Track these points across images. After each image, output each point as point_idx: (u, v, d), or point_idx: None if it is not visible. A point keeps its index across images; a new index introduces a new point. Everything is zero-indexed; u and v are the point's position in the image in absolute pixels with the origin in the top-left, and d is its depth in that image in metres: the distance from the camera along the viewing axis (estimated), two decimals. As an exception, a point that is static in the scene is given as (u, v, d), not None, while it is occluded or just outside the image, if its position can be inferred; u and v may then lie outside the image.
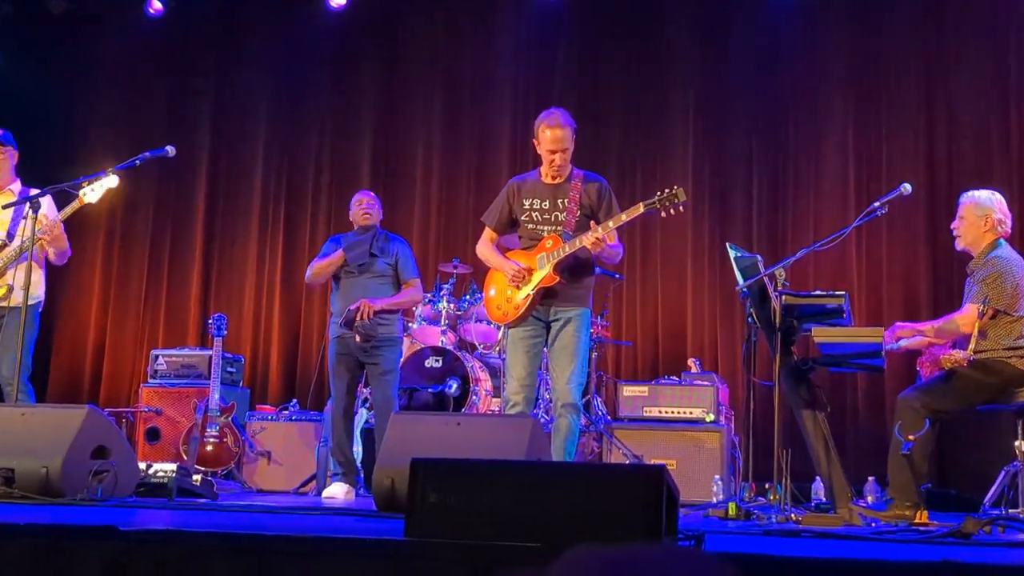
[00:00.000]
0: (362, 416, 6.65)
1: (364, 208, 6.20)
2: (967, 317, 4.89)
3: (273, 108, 9.40)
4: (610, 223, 4.76)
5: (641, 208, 4.71)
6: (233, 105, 9.46)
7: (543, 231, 4.92)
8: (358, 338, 5.81)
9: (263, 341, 9.07)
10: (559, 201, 4.94)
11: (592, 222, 4.87)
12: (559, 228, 4.88)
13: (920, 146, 7.90)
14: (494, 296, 4.99)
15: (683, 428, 6.37)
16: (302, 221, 9.23)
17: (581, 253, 4.83)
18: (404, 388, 6.86)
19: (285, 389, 8.84)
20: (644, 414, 6.50)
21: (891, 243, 7.85)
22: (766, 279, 4.59)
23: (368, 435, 6.66)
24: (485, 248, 5.10)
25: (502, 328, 5.01)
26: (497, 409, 6.67)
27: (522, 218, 4.99)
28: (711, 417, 6.37)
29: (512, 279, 4.86)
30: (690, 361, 7.45)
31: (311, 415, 7.30)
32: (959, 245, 5.15)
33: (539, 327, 4.90)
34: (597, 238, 4.70)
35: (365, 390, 6.51)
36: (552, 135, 4.88)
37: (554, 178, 4.97)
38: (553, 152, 4.90)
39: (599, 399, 7.29)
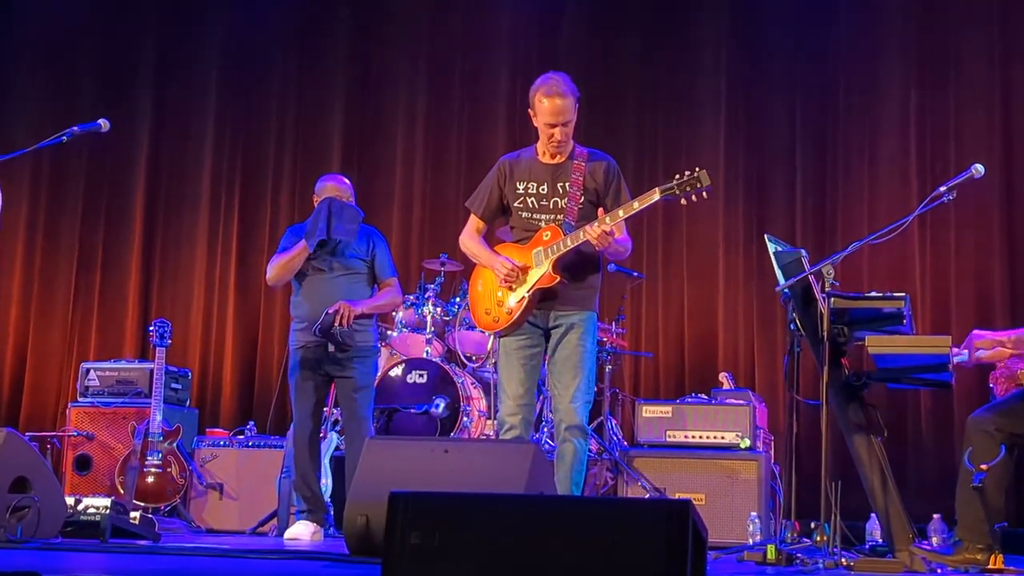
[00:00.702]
0: (331, 442, 6.64)
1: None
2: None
3: (225, 75, 9.42)
4: (620, 211, 4.75)
5: (656, 195, 4.69)
6: (178, 72, 9.46)
7: (540, 220, 4.91)
8: (332, 347, 5.79)
9: (214, 352, 9.08)
10: (559, 184, 4.92)
11: (599, 210, 4.86)
12: (559, 217, 4.87)
13: (995, 120, 7.93)
14: (482, 299, 4.97)
15: (713, 456, 6.36)
16: (261, 210, 9.25)
17: (585, 247, 4.81)
18: (381, 408, 6.84)
19: (241, 410, 8.86)
20: (667, 439, 6.49)
21: (961, 235, 7.88)
22: (811, 278, 4.60)
23: (338, 464, 6.65)
24: (470, 240, 5.07)
25: (492, 336, 5.00)
26: (492, 433, 6.67)
27: (515, 204, 4.97)
28: (746, 443, 6.37)
29: (504, 279, 4.85)
30: (722, 376, 7.45)
31: (271, 441, 7.29)
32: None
33: (536, 335, 4.89)
34: (604, 231, 4.69)
35: (335, 411, 6.51)
36: (550, 105, 4.86)
37: (553, 156, 4.95)
38: (552, 126, 4.87)
39: (613, 421, 7.28)
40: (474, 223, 5.09)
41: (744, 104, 8.56)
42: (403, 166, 9.08)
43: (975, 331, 5.09)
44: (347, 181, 6.20)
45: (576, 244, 4.77)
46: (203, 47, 9.43)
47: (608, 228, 4.68)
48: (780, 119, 8.45)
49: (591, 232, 4.69)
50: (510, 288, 4.86)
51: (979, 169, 4.78)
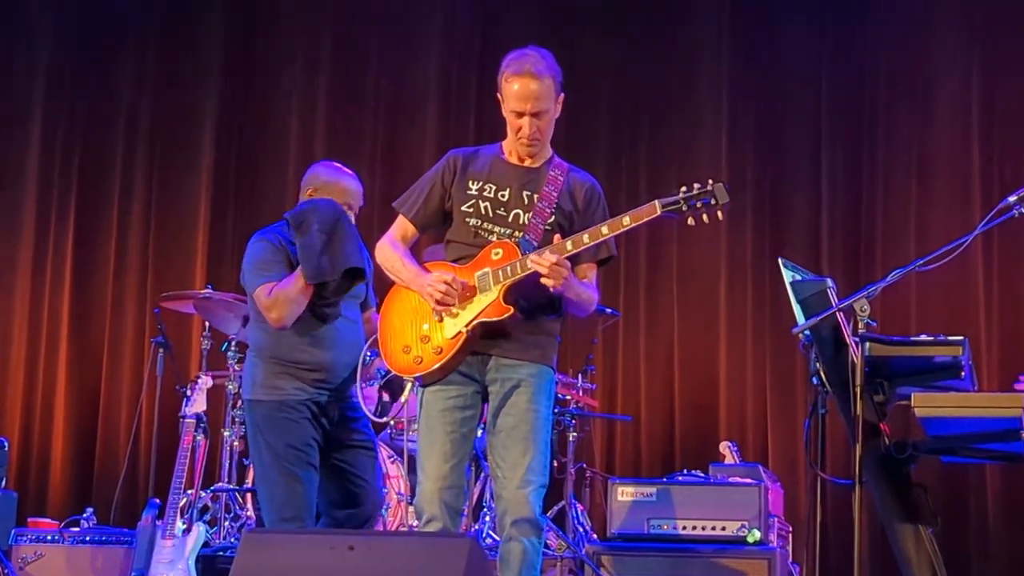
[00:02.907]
0: (199, 536, 6.60)
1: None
2: None
3: (63, 29, 9.40)
4: (604, 228, 4.73)
5: (657, 209, 4.68)
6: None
7: (492, 234, 4.90)
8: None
9: (40, 415, 9.02)
10: (526, 193, 4.89)
11: (556, 237, 4.84)
12: (517, 233, 4.87)
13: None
14: (400, 331, 4.92)
15: (712, 554, 6.36)
16: (105, 219, 9.23)
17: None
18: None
19: (75, 493, 8.81)
20: (650, 530, 6.49)
21: (1037, 261, 7.97)
22: (840, 316, 4.62)
23: (207, 564, 6.62)
24: (392, 249, 4.99)
25: (409, 384, 4.93)
26: (416, 524, 6.65)
27: (463, 208, 4.94)
28: (756, 536, 6.38)
29: (439, 300, 4.81)
30: (723, 446, 7.47)
31: (116, 534, 7.23)
32: None
33: (470, 392, 4.84)
34: (552, 263, 4.66)
35: (203, 493, 6.41)
36: (521, 88, 4.83)
37: (523, 159, 4.96)
38: (519, 115, 4.86)
39: (578, 507, 7.27)
40: (401, 227, 5.02)
41: (753, 98, 8.65)
42: (297, 163, 9.07)
43: None
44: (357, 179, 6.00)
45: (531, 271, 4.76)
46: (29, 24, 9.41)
47: (558, 260, 4.64)
48: (801, 114, 8.55)
49: (540, 261, 4.66)
50: (440, 319, 4.82)
51: (1059, 174, 4.85)
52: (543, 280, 4.64)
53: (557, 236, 4.75)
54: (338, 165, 5.92)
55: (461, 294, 4.75)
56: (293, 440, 5.60)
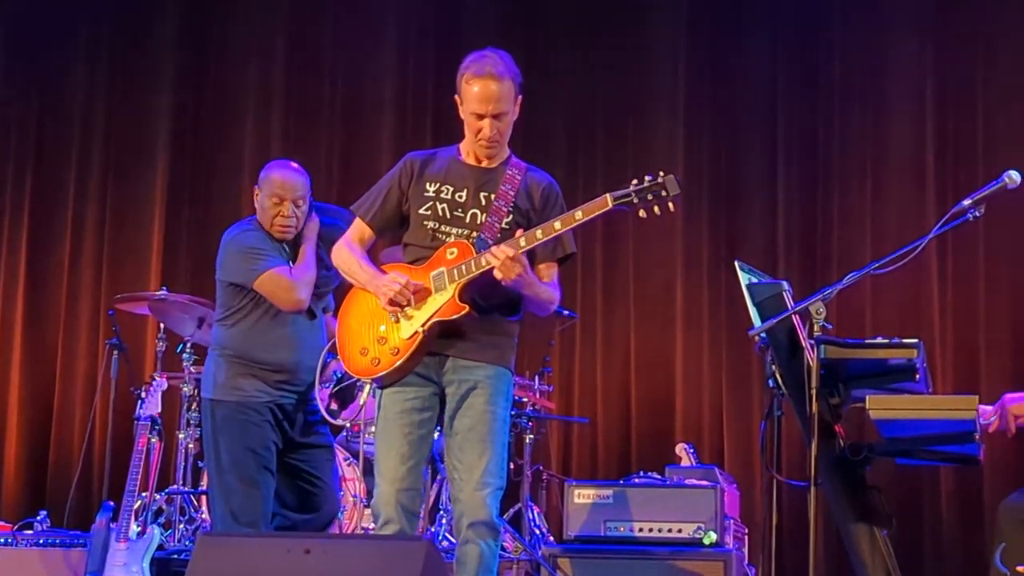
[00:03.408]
0: (152, 539, 6.57)
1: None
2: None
3: (14, 32, 9.34)
4: (556, 224, 4.73)
5: (608, 203, 4.69)
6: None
7: (449, 235, 4.90)
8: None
9: (-9, 417, 8.94)
10: (483, 194, 4.90)
11: (519, 231, 4.84)
12: (474, 234, 4.86)
13: (1034, 114, 8.10)
14: (357, 333, 4.91)
15: (668, 555, 6.36)
16: (59, 220, 9.19)
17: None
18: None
19: (29, 496, 8.76)
20: (607, 532, 6.49)
21: (992, 263, 8.01)
22: (796, 319, 4.63)
23: (160, 568, 6.59)
24: (349, 251, 4.99)
25: (368, 386, 4.92)
26: (372, 526, 6.64)
27: (420, 211, 4.94)
28: (712, 538, 6.39)
29: (391, 300, 4.80)
30: (680, 448, 7.47)
31: (70, 537, 7.20)
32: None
33: (427, 394, 4.84)
34: (508, 256, 4.66)
35: (158, 496, 6.37)
36: (481, 90, 4.84)
37: (480, 160, 4.96)
38: (480, 116, 4.87)
39: (535, 509, 7.27)
40: (358, 229, 5.02)
41: (709, 93, 8.66)
42: (251, 166, 9.04)
43: (1007, 395, 5.17)
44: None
45: (492, 266, 4.74)
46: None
47: (515, 254, 4.64)
48: (757, 117, 8.57)
49: (494, 253, 4.66)
50: (397, 320, 4.81)
51: (1014, 177, 4.85)
52: (496, 274, 4.65)
53: (520, 231, 4.76)
54: (280, 161, 5.96)
55: (416, 295, 4.76)
56: (252, 443, 5.58)
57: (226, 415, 5.60)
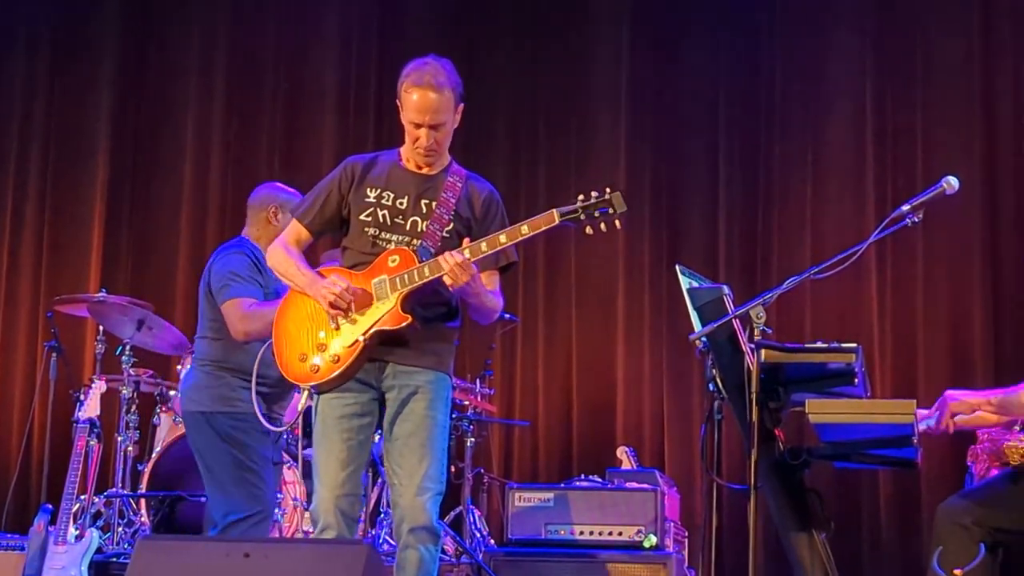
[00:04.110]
0: (91, 542, 6.53)
1: None
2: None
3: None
4: (501, 236, 4.73)
5: (556, 218, 4.69)
6: None
7: (389, 242, 4.88)
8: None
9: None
10: (424, 201, 4.89)
11: (466, 240, 4.83)
12: (415, 241, 4.86)
13: (975, 121, 8.15)
14: (295, 339, 4.88)
15: (608, 558, 6.38)
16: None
17: (441, 283, 4.79)
18: (161, 497, 6.75)
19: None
20: (547, 536, 6.50)
21: (931, 268, 8.08)
22: (736, 323, 4.65)
23: (99, 571, 6.55)
24: (285, 253, 4.94)
25: (305, 391, 4.88)
26: (311, 530, 6.62)
27: (360, 217, 4.92)
28: (652, 541, 6.41)
29: (332, 304, 4.78)
30: (620, 451, 7.50)
31: (8, 540, 7.14)
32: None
33: (367, 399, 4.83)
34: (457, 263, 4.66)
35: (97, 499, 6.32)
36: (420, 99, 4.84)
37: (420, 167, 4.96)
38: (417, 126, 4.88)
39: (476, 513, 7.26)
40: (295, 232, 4.98)
41: (651, 98, 8.69)
42: (194, 167, 9.04)
43: (948, 391, 5.19)
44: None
45: (435, 276, 4.74)
46: None
47: (463, 259, 4.64)
48: (698, 121, 8.61)
49: (446, 259, 4.66)
50: (337, 327, 4.79)
51: (952, 183, 4.87)
52: (446, 279, 4.65)
53: (467, 240, 4.75)
54: (281, 185, 6.05)
55: (356, 301, 4.74)
56: (257, 447, 5.67)
57: (232, 425, 5.67)
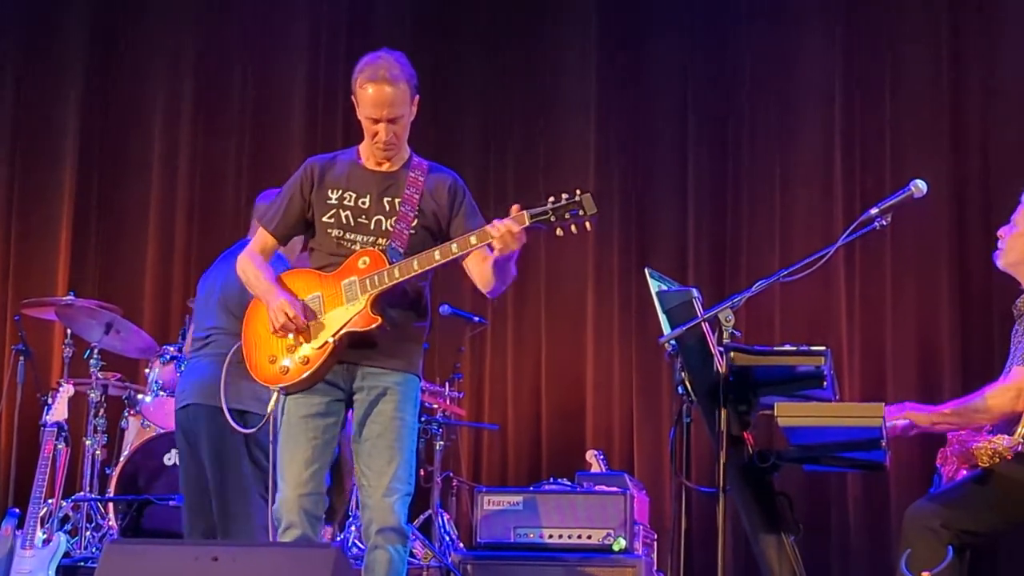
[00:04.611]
0: (58, 546, 6.51)
1: None
2: (1012, 387, 5.01)
3: None
4: (472, 239, 4.72)
5: (526, 220, 4.69)
6: None
7: (355, 243, 4.88)
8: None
9: None
10: (386, 200, 4.89)
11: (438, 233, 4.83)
12: (381, 241, 4.85)
13: (942, 124, 8.19)
14: (264, 341, 4.87)
15: (578, 562, 6.38)
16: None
17: (413, 282, 4.80)
18: (129, 500, 6.72)
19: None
20: (516, 539, 6.50)
21: (899, 271, 8.11)
22: (705, 326, 4.65)
23: (70, 574, 6.53)
24: (251, 262, 4.96)
25: (275, 393, 4.87)
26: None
27: (323, 219, 4.92)
28: (621, 544, 6.41)
29: (278, 329, 4.76)
30: (590, 454, 7.50)
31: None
32: (1001, 262, 5.25)
33: (333, 400, 4.83)
34: (505, 231, 4.58)
35: (65, 503, 6.31)
36: (375, 94, 4.83)
37: (380, 163, 4.95)
38: (375, 121, 4.86)
39: (445, 516, 7.25)
40: (262, 240, 5.00)
41: (620, 100, 8.70)
42: (161, 168, 9.00)
43: (909, 404, 5.20)
44: None
45: (406, 277, 4.74)
46: None
47: (519, 230, 4.60)
48: (667, 124, 8.62)
49: (498, 226, 4.64)
50: (309, 327, 4.77)
51: (920, 187, 4.89)
52: (496, 244, 4.64)
53: (515, 207, 4.68)
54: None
55: (301, 332, 4.74)
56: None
57: (256, 424, 5.59)
